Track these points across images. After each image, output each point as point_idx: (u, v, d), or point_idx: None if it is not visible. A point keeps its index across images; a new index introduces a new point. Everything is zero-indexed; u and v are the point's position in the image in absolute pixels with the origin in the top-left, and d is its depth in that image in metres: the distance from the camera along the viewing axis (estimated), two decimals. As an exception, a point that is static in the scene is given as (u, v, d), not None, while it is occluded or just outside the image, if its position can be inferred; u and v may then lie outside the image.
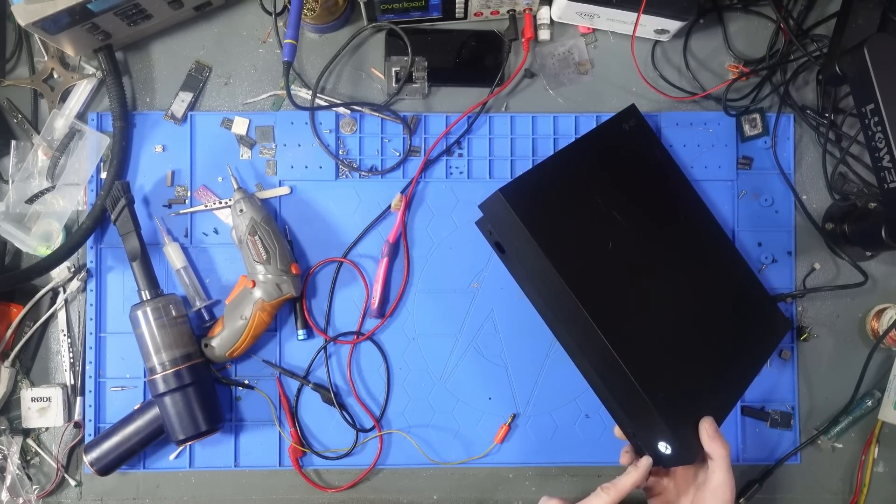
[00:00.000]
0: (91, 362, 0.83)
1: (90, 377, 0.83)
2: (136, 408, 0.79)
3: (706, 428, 0.67)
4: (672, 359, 0.71)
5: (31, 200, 0.82)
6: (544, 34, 0.86)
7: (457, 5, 0.82)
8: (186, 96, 0.85)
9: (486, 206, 0.68)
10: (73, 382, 0.84)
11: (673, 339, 0.72)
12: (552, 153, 0.77)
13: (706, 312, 0.77)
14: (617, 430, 0.72)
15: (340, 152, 0.85)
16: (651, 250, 0.75)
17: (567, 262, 0.67)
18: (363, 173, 0.85)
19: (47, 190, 0.83)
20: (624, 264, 0.72)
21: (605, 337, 0.66)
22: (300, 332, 0.83)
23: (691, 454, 0.67)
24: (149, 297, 0.78)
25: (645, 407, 0.66)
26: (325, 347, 0.84)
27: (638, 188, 0.78)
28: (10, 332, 0.83)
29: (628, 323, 0.69)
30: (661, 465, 0.69)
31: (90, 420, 0.82)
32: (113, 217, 0.78)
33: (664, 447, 0.67)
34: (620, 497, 0.66)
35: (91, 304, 0.83)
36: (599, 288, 0.69)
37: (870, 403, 0.84)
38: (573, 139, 0.85)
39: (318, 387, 0.83)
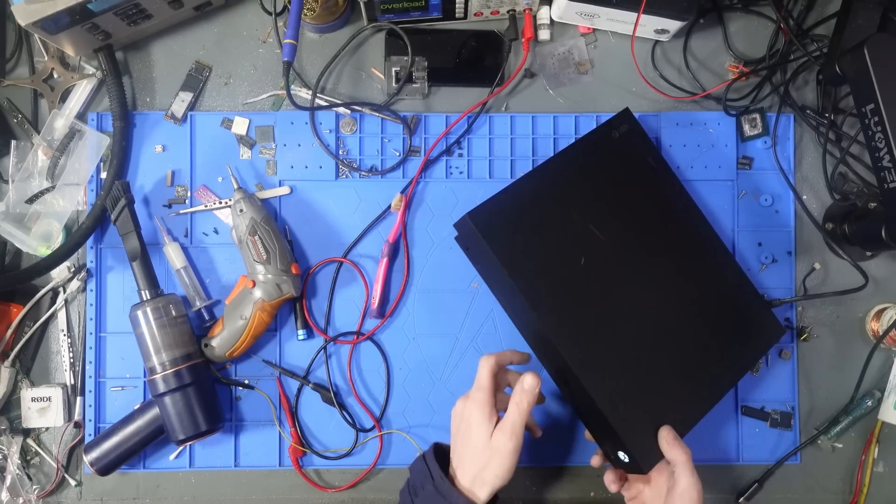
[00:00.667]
0: (91, 362, 0.83)
1: (90, 377, 0.83)
2: (136, 408, 0.79)
3: (664, 436, 0.70)
4: (638, 370, 0.73)
5: (31, 200, 0.82)
6: (544, 34, 0.86)
7: (457, 5, 0.82)
8: (186, 96, 0.85)
9: (459, 227, 0.72)
10: (73, 382, 0.84)
11: (642, 352, 0.74)
12: (530, 170, 0.78)
13: (685, 323, 0.77)
14: (587, 434, 0.76)
15: (340, 152, 0.85)
16: (629, 263, 0.76)
17: (531, 283, 0.71)
18: (363, 173, 0.85)
19: (47, 190, 0.83)
20: (596, 279, 0.74)
21: (564, 355, 0.70)
22: (300, 332, 0.83)
23: (648, 463, 0.70)
24: (149, 297, 0.78)
25: (603, 419, 0.70)
26: (325, 347, 0.84)
27: (622, 199, 0.78)
28: (10, 332, 0.83)
29: (593, 338, 0.72)
30: (626, 470, 0.73)
31: (90, 420, 0.82)
32: (113, 217, 0.78)
33: (623, 456, 0.71)
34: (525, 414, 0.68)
35: (91, 304, 0.83)
36: (563, 306, 0.72)
37: (870, 403, 0.84)
38: (573, 139, 0.86)
39: (318, 387, 0.83)
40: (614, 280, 0.75)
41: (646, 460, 0.70)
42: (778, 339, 0.81)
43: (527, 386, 0.68)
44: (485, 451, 0.67)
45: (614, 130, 0.80)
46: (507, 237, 0.72)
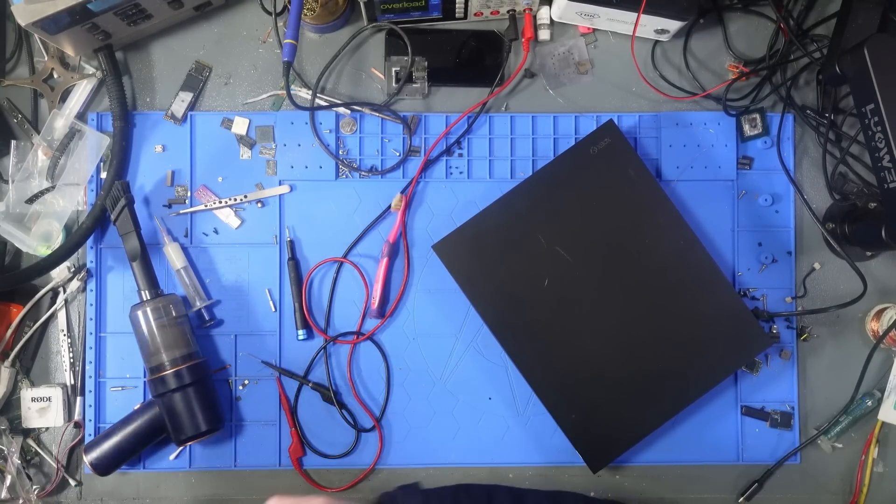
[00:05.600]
0: (91, 362, 0.83)
1: (90, 377, 0.83)
2: (136, 408, 0.79)
3: None
4: (594, 382, 0.79)
5: (31, 200, 0.82)
6: (544, 34, 0.86)
7: (457, 5, 0.82)
8: (186, 96, 0.85)
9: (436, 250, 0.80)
10: (73, 382, 0.84)
11: (600, 364, 0.79)
12: (501, 195, 0.80)
13: (652, 336, 0.79)
14: None
15: (340, 152, 0.85)
16: (595, 281, 0.80)
17: (490, 306, 0.79)
18: (363, 173, 0.85)
19: (47, 190, 0.83)
20: (558, 299, 0.79)
21: (521, 371, 0.79)
22: (300, 332, 0.83)
23: (595, 465, 0.78)
24: (149, 297, 0.78)
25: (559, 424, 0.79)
26: (325, 347, 0.84)
27: (595, 217, 0.80)
28: (10, 332, 0.83)
29: (550, 355, 0.79)
30: None
31: (90, 420, 0.82)
32: (113, 217, 0.78)
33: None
34: None
35: (91, 304, 0.83)
36: (521, 326, 0.79)
37: (870, 403, 0.84)
38: (573, 139, 0.86)
39: (318, 386, 0.83)
40: (577, 299, 0.79)
41: (594, 463, 0.78)
42: (762, 349, 0.80)
43: None
44: None
45: (593, 146, 0.80)
46: (469, 265, 0.79)
